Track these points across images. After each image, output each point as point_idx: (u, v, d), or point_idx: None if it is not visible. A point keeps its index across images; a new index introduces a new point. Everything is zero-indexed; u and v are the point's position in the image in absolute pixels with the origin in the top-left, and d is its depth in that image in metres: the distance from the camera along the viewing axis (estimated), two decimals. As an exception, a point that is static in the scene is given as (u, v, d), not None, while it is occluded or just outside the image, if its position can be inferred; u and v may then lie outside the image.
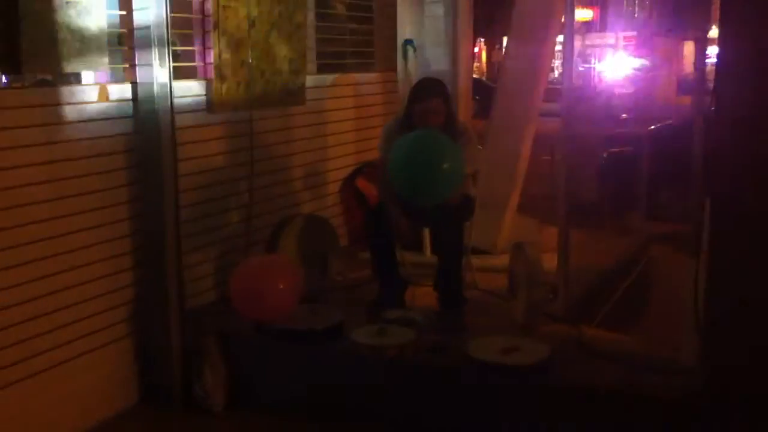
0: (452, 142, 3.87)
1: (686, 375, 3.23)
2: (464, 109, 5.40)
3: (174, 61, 3.70)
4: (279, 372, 3.79)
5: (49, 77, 3.63)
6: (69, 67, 3.47)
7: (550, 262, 4.12)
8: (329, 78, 5.34)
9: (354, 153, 5.55)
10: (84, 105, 3.51)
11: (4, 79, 4.48)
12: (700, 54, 4.80)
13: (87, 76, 4.00)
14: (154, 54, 3.60)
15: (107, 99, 3.61)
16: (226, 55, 4.19)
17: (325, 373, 3.70)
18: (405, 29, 5.37)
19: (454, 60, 5.22)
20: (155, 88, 3.63)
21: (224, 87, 4.20)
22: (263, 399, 3.81)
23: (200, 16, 4.12)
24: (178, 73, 3.96)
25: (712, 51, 3.88)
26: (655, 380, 3.27)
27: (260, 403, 3.81)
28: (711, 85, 3.17)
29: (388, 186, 4.01)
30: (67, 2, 3.35)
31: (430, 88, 4.05)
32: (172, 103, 3.66)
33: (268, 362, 3.82)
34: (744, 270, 2.88)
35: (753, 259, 2.87)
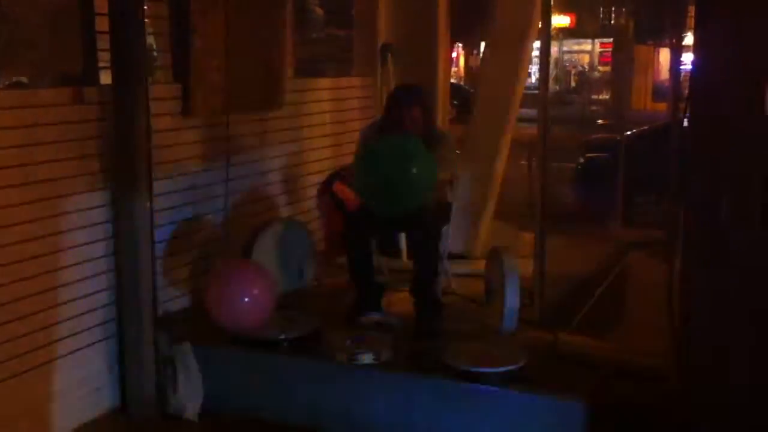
0: (418, 146, 3.84)
1: (661, 381, 3.24)
2: (443, 113, 5.41)
3: (150, 64, 3.67)
4: (255, 379, 3.76)
5: (24, 79, 3.59)
6: (43, 70, 3.44)
7: (526, 267, 4.13)
8: (307, 82, 5.32)
9: (332, 157, 5.53)
10: (57, 107, 3.47)
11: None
12: (675, 61, 4.84)
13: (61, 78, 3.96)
14: (130, 56, 3.56)
15: (81, 101, 3.57)
16: (202, 58, 4.16)
17: (302, 380, 3.68)
18: (384, 34, 5.37)
19: (432, 65, 5.24)
20: (130, 91, 3.59)
21: (201, 90, 4.17)
22: (238, 406, 3.79)
23: (177, 19, 4.09)
24: (154, 76, 3.93)
25: (687, 58, 3.91)
26: (630, 386, 3.29)
27: (236, 410, 3.78)
28: (686, 92, 3.20)
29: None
30: (41, 4, 3.32)
31: (407, 96, 4.05)
32: (147, 106, 3.63)
33: (244, 369, 3.79)
34: (717, 276, 2.90)
35: (726, 266, 2.89)
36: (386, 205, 3.83)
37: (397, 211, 3.85)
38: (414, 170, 3.74)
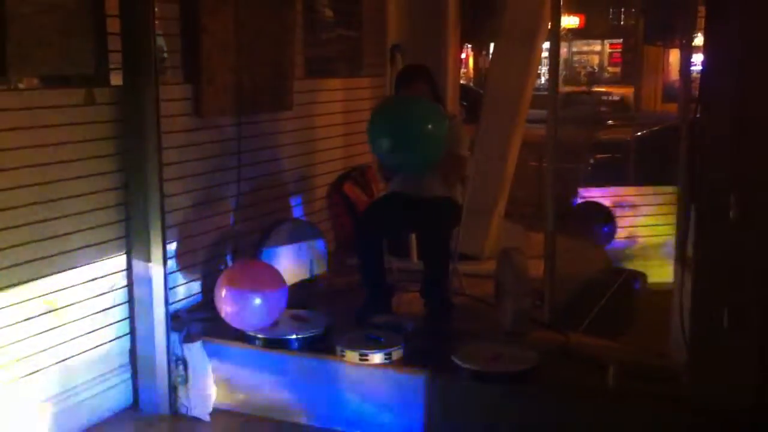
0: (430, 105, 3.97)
1: (673, 382, 3.24)
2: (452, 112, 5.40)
3: (160, 64, 3.68)
4: (266, 378, 3.77)
5: (36, 80, 3.61)
6: (56, 70, 3.46)
7: (536, 268, 4.13)
8: (317, 83, 5.34)
9: (342, 158, 5.54)
10: (69, 108, 3.49)
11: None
12: (685, 61, 4.83)
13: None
14: (141, 57, 3.58)
15: (93, 102, 3.59)
16: (213, 59, 4.18)
17: (313, 379, 3.69)
18: (393, 34, 5.38)
19: (441, 65, 5.24)
20: (141, 92, 3.61)
21: (211, 91, 4.19)
22: (249, 406, 3.80)
23: (187, 20, 4.11)
24: (165, 77, 3.94)
25: (698, 59, 3.90)
26: (641, 387, 3.28)
27: (247, 409, 3.80)
28: (696, 92, 3.19)
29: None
30: (53, 4, 3.34)
31: (414, 73, 4.19)
32: (158, 106, 3.65)
33: (255, 368, 3.80)
34: (729, 277, 2.90)
35: (738, 266, 2.88)
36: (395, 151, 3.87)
37: (411, 149, 3.88)
38: (423, 111, 3.89)
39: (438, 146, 3.87)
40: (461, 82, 9.48)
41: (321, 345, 3.76)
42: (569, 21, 26.24)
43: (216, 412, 3.79)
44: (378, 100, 4.15)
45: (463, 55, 26.53)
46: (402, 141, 3.82)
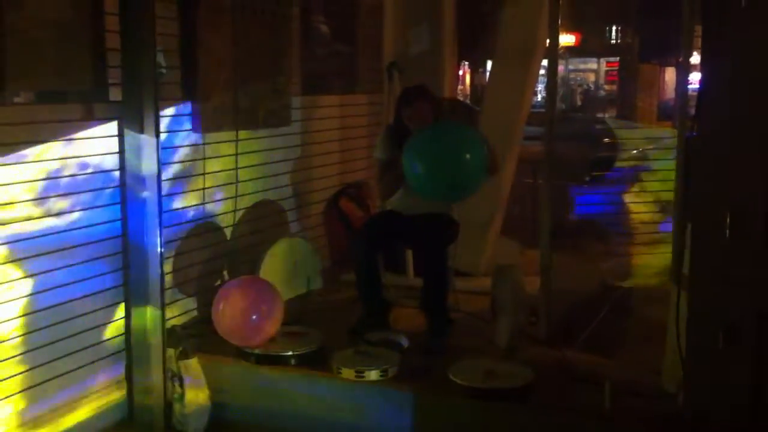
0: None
1: (667, 399, 3.24)
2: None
3: (158, 81, 3.70)
4: (262, 395, 3.76)
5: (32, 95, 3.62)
6: (53, 85, 3.47)
7: (531, 285, 4.14)
8: (314, 99, 5.35)
9: (338, 174, 5.55)
10: (68, 123, 3.50)
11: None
12: (682, 80, 4.86)
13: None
14: (140, 73, 3.59)
15: (92, 118, 3.60)
16: (211, 75, 4.19)
17: (309, 396, 3.68)
18: (390, 51, 5.40)
19: (438, 82, 5.26)
20: (140, 107, 3.62)
21: (209, 107, 4.20)
22: (245, 421, 3.78)
23: (186, 36, 4.12)
24: (163, 93, 3.96)
25: (694, 77, 3.93)
26: (636, 404, 3.28)
27: (242, 425, 3.78)
28: (692, 110, 3.21)
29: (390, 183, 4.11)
30: (52, 20, 3.36)
31: (418, 93, 4.14)
32: (157, 122, 3.65)
33: (251, 385, 3.79)
34: (724, 295, 2.90)
35: (733, 285, 2.89)
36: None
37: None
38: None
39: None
40: (458, 98, 9.52)
41: (317, 361, 3.75)
42: (565, 39, 26.37)
43: (211, 428, 3.78)
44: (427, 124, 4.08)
45: (460, 72, 26.63)
46: (463, 182, 3.85)
